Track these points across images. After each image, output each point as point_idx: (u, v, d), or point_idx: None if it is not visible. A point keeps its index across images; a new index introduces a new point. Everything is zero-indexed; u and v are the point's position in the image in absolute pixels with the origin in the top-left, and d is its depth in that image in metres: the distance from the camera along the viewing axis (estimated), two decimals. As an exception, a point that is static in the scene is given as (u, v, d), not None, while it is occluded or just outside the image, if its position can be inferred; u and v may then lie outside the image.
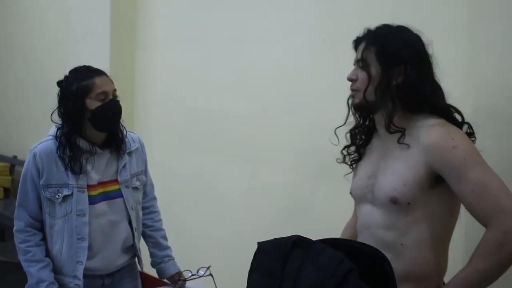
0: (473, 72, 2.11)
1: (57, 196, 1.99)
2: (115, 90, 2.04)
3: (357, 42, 1.62)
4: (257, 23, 3.03)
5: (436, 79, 1.59)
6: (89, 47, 3.93)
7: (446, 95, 1.60)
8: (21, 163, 5.00)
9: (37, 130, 4.23)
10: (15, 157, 5.21)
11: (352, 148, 1.72)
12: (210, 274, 2.13)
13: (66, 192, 1.99)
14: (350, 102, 1.64)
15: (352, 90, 1.61)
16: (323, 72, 2.66)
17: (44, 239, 2.03)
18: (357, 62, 1.61)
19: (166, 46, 3.65)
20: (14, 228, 2.03)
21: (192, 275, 2.18)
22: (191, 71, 3.48)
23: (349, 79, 1.61)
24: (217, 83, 3.31)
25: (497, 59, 2.00)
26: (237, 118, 3.17)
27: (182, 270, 2.25)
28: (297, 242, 1.38)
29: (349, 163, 1.74)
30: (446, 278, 1.59)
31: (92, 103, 1.97)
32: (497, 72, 2.01)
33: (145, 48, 3.80)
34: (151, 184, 2.33)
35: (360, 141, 1.71)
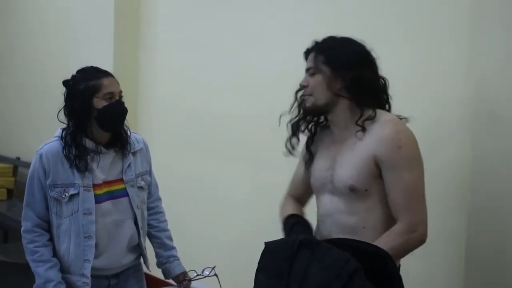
0: (473, 72, 2.13)
1: (63, 196, 2.01)
2: (121, 91, 2.07)
3: (306, 54, 1.79)
4: (259, 26, 3.05)
5: (381, 79, 1.76)
6: (91, 49, 3.93)
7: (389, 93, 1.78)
8: (24, 164, 5.01)
9: (40, 131, 4.25)
10: (18, 158, 5.22)
11: (304, 150, 1.88)
12: (215, 274, 2.15)
13: (72, 191, 2.01)
14: (302, 106, 1.80)
15: (304, 95, 1.78)
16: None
17: (51, 239, 2.05)
18: (307, 70, 1.78)
19: (169, 48, 3.66)
20: (22, 229, 2.04)
21: (197, 275, 2.19)
22: (193, 73, 3.49)
23: (301, 85, 1.79)
24: (218, 85, 3.32)
25: (498, 59, 2.02)
26: (239, 120, 3.18)
27: (187, 270, 2.27)
28: (303, 243, 1.41)
29: (302, 163, 1.90)
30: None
31: (99, 103, 1.99)
32: (498, 72, 2.03)
33: (148, 50, 3.81)
34: (156, 185, 2.35)
35: (310, 143, 1.87)
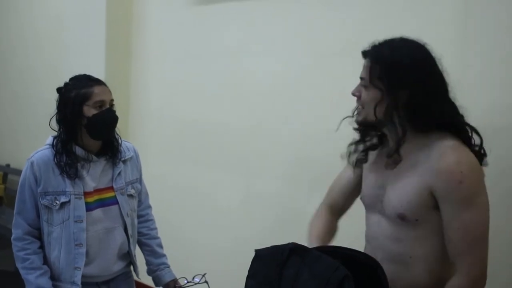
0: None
1: (54, 204, 2.01)
2: (112, 100, 2.08)
3: (364, 55, 1.59)
4: (253, 36, 3.07)
5: (450, 95, 1.54)
6: (83, 58, 3.94)
7: (463, 112, 1.56)
8: (15, 171, 5.00)
9: (30, 138, 4.24)
10: (8, 165, 5.21)
11: (361, 147, 1.71)
12: (206, 282, 2.15)
13: (63, 199, 2.01)
14: (355, 118, 1.64)
15: (357, 106, 1.61)
16: (318, 84, 2.70)
17: (41, 247, 2.05)
18: (361, 78, 1.59)
19: (160, 57, 3.68)
20: (12, 236, 2.04)
21: (188, 282, 2.20)
22: (186, 83, 3.50)
23: (353, 95, 1.61)
24: (210, 94, 3.33)
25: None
26: (232, 130, 3.20)
27: (177, 277, 2.28)
28: (293, 250, 1.42)
29: (354, 162, 1.73)
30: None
31: (89, 111, 2.00)
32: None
33: (140, 59, 3.82)
34: (146, 193, 2.36)
35: (370, 143, 1.70)
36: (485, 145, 1.56)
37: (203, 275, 2.17)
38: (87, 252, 2.04)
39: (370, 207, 1.68)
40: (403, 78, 1.49)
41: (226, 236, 3.22)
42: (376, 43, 1.57)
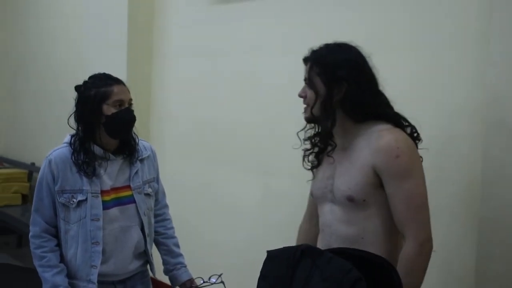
0: (482, 81, 2.10)
1: (71, 202, 2.02)
2: (131, 99, 2.09)
3: (305, 61, 1.78)
4: (270, 35, 3.06)
5: (380, 88, 1.73)
6: (105, 58, 3.97)
7: (390, 102, 1.75)
8: (39, 169, 5.07)
9: (54, 137, 4.29)
10: (33, 164, 5.29)
11: (311, 156, 1.87)
12: (222, 282, 2.14)
13: (80, 197, 2.02)
14: (304, 116, 1.80)
15: (304, 105, 1.78)
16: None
17: (58, 244, 2.06)
18: (304, 80, 1.77)
19: (181, 57, 3.69)
20: (30, 234, 2.07)
21: (204, 282, 2.19)
22: (205, 82, 3.51)
23: (299, 96, 1.78)
24: (230, 93, 3.33)
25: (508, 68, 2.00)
26: (249, 129, 3.19)
27: (194, 277, 2.27)
28: (305, 252, 1.40)
29: (308, 167, 1.90)
30: None
31: (108, 109, 2.01)
32: (508, 81, 2.00)
33: (161, 58, 3.84)
34: (163, 192, 2.35)
35: (318, 149, 1.85)
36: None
37: (220, 275, 2.16)
38: (103, 251, 2.04)
39: (321, 199, 1.82)
40: (339, 74, 1.67)
41: (243, 236, 3.21)
42: (314, 48, 1.77)
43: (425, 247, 1.61)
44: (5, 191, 5.09)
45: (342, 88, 1.67)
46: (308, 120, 1.80)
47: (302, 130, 1.84)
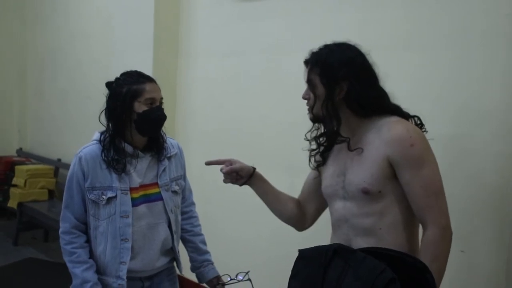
0: (510, 82, 2.07)
1: (101, 199, 2.04)
2: (162, 98, 2.10)
3: (305, 63, 1.79)
4: (297, 32, 3.04)
5: (380, 84, 1.75)
6: (131, 56, 4.00)
7: (391, 97, 1.77)
8: (65, 165, 5.15)
9: (80, 134, 4.35)
10: (59, 160, 5.37)
11: (317, 156, 1.89)
12: (249, 279, 2.14)
13: (110, 194, 2.04)
14: (308, 115, 1.82)
15: (307, 107, 1.80)
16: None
17: (88, 241, 2.08)
18: (306, 82, 1.79)
19: (207, 55, 3.70)
20: (60, 230, 2.08)
21: (231, 279, 2.19)
22: (231, 80, 3.51)
23: (303, 98, 1.80)
24: (256, 92, 3.33)
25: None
26: (275, 126, 3.18)
27: (221, 274, 2.27)
28: (338, 251, 1.39)
29: (314, 166, 1.92)
30: None
31: (140, 107, 2.02)
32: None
33: (187, 57, 3.85)
34: (190, 190, 2.37)
35: (324, 148, 1.85)
36: None
37: (247, 273, 2.16)
38: (132, 247, 2.05)
39: (332, 196, 1.82)
40: (339, 74, 1.69)
41: (267, 233, 3.20)
42: (314, 50, 1.79)
43: (447, 232, 1.62)
44: (32, 186, 5.18)
45: (343, 87, 1.70)
46: (313, 120, 1.82)
47: (309, 131, 1.86)
